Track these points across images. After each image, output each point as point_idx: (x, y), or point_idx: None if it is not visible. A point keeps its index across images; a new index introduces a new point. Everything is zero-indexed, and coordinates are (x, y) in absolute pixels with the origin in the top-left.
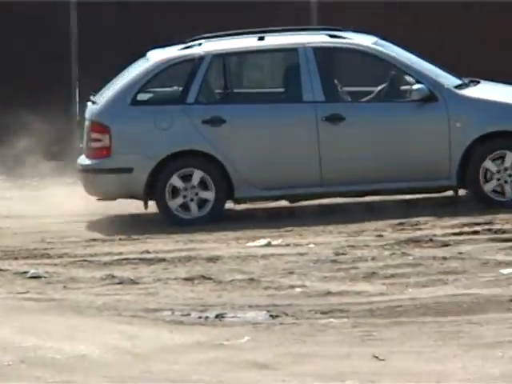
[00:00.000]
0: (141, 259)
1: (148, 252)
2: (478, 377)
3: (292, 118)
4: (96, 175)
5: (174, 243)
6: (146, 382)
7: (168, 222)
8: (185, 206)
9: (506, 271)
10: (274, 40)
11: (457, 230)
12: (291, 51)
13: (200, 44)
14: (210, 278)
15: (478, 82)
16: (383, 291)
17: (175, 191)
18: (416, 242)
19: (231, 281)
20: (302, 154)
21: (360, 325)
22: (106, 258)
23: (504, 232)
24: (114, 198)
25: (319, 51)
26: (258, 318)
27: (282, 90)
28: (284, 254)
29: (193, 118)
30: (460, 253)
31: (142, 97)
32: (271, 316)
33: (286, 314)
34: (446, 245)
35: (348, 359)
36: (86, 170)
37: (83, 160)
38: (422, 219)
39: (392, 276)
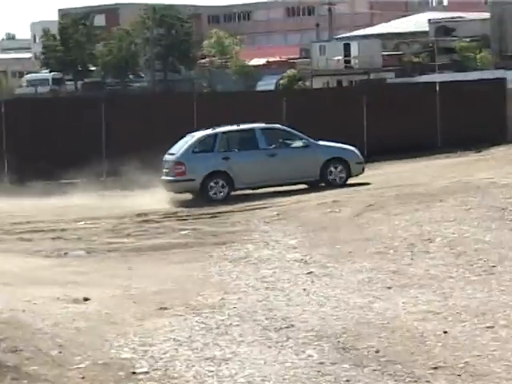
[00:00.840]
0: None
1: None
2: (164, 278)
3: (256, 156)
4: (178, 183)
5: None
6: (38, 283)
7: (206, 201)
8: (214, 194)
9: (183, 232)
10: (244, 126)
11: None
12: (251, 130)
13: (214, 128)
14: None
15: (320, 139)
16: (134, 241)
17: (211, 188)
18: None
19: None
20: (261, 171)
21: (125, 256)
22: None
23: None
24: (183, 193)
25: (263, 129)
26: (81, 254)
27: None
28: None
29: (217, 157)
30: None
31: (195, 150)
32: (87, 252)
33: (95, 252)
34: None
35: (116, 270)
36: (172, 181)
37: (168, 177)
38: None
39: (138, 235)
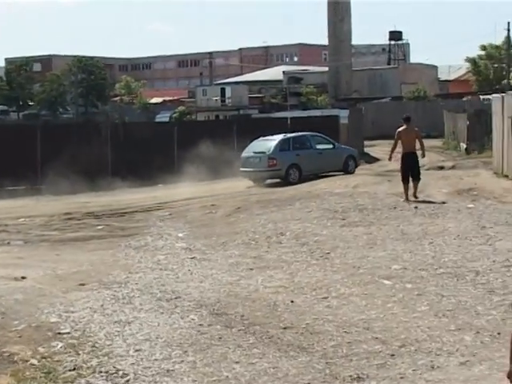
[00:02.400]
0: (109, 215)
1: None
2: (83, 262)
3: (311, 154)
4: (270, 172)
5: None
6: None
7: (287, 183)
8: (293, 179)
9: (98, 227)
10: (300, 133)
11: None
12: (305, 136)
13: (285, 135)
14: None
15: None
16: (61, 234)
17: (290, 174)
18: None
19: None
20: (315, 163)
21: (53, 245)
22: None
23: None
24: (271, 179)
25: (312, 135)
26: (20, 243)
27: (306, 146)
28: None
29: (293, 154)
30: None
31: (280, 149)
32: (25, 242)
33: (30, 241)
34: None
35: (46, 256)
36: (264, 171)
37: (259, 168)
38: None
39: (64, 229)
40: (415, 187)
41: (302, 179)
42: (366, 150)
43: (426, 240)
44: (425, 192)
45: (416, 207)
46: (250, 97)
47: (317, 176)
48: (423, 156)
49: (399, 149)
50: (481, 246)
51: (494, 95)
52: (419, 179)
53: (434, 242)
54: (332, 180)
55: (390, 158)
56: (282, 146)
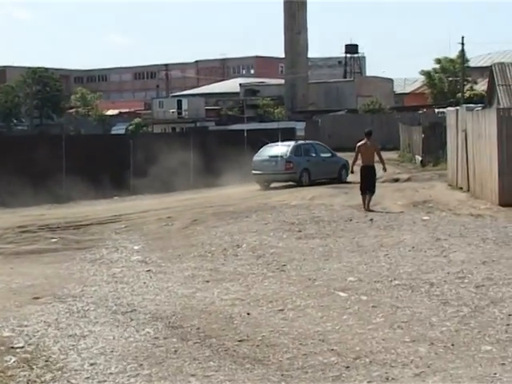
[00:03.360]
0: (64, 228)
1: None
2: (38, 275)
3: (317, 160)
4: (286, 175)
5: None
6: None
7: (299, 184)
8: (305, 181)
9: (53, 240)
10: (308, 141)
11: None
12: (311, 143)
13: (297, 141)
14: None
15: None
16: (15, 247)
17: (303, 178)
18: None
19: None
20: (320, 169)
21: (7, 258)
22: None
23: None
24: (285, 181)
25: (316, 144)
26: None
27: (313, 153)
28: None
29: (304, 159)
30: None
31: (294, 153)
32: None
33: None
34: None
35: (0, 269)
36: (281, 173)
37: (275, 170)
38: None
39: (18, 242)
40: (369, 199)
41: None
42: None
43: (381, 252)
44: (381, 204)
45: (371, 219)
46: (206, 109)
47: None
48: (384, 170)
49: (359, 161)
50: (435, 257)
51: (448, 108)
52: (373, 192)
53: (389, 253)
54: (289, 192)
55: (351, 171)
56: (296, 151)
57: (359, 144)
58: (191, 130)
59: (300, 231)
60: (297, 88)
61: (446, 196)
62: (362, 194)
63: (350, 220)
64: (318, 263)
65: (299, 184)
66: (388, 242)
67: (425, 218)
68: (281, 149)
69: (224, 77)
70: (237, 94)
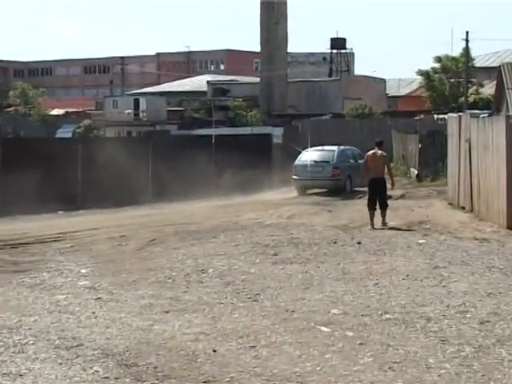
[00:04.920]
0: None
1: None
2: None
3: (355, 166)
4: (332, 181)
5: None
6: None
7: (343, 193)
8: (348, 189)
9: None
10: (347, 146)
11: None
12: (350, 149)
13: (339, 146)
14: None
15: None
16: None
17: (346, 185)
18: None
19: None
20: (357, 175)
21: None
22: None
23: None
24: (329, 189)
25: (354, 150)
26: None
27: (352, 158)
28: None
29: (347, 165)
30: None
31: (339, 159)
32: None
33: None
34: None
35: None
36: (327, 179)
37: (321, 176)
38: None
39: None
40: (383, 215)
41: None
42: None
43: (370, 280)
44: (369, 225)
45: (359, 242)
46: (168, 110)
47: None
48: (392, 185)
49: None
50: (433, 288)
51: (449, 114)
52: (386, 207)
53: (379, 282)
54: (263, 209)
55: (360, 182)
56: (341, 156)
57: (368, 153)
58: (150, 134)
59: (276, 255)
60: (274, 87)
61: (445, 216)
62: (369, 211)
63: (335, 243)
64: (297, 292)
65: (342, 192)
66: (378, 269)
67: (421, 241)
68: (326, 154)
69: (189, 73)
70: (204, 93)
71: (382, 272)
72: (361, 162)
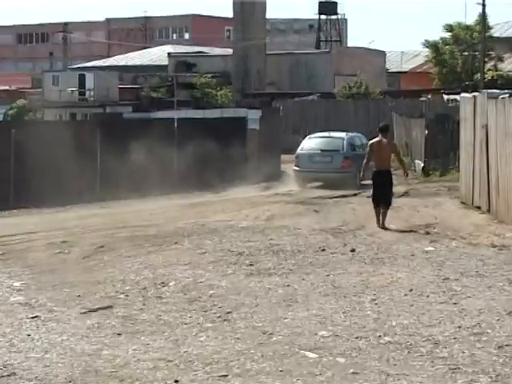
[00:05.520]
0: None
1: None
2: None
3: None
4: (341, 174)
5: None
6: None
7: (355, 187)
8: (358, 183)
9: None
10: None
11: None
12: (358, 136)
13: (346, 132)
14: None
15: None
16: None
17: (357, 178)
18: None
19: None
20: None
21: None
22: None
23: None
24: (337, 182)
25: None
26: None
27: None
28: None
29: (356, 154)
30: None
31: (350, 148)
32: None
33: None
34: None
35: None
36: (336, 172)
37: (331, 168)
38: None
39: None
40: (383, 215)
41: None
42: (284, 167)
43: (366, 296)
44: (366, 228)
45: (353, 250)
46: (121, 88)
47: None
48: (406, 175)
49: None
50: (442, 304)
51: (462, 95)
52: (389, 205)
53: (377, 298)
54: (236, 209)
55: (362, 177)
56: (351, 144)
57: (371, 142)
58: (99, 117)
59: (251, 265)
60: (250, 61)
61: (457, 218)
62: (375, 207)
63: (323, 250)
64: (277, 311)
65: (351, 186)
66: (376, 281)
67: (428, 248)
68: (334, 142)
69: (146, 43)
70: (164, 67)
71: (381, 285)
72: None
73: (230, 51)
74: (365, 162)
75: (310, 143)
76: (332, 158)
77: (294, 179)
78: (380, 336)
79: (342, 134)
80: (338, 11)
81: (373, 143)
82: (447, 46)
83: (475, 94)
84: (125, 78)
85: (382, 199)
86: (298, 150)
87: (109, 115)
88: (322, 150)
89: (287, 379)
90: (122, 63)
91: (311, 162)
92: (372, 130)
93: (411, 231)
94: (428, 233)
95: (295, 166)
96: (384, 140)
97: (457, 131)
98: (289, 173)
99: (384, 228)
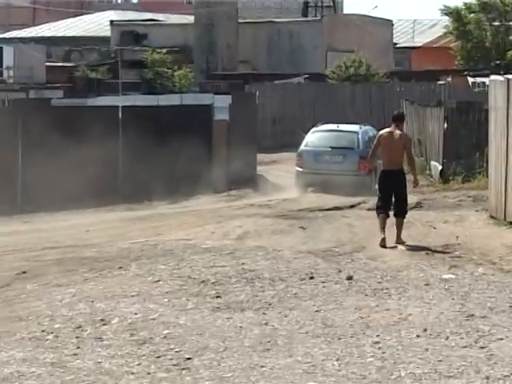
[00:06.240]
0: None
1: None
2: None
3: None
4: (359, 177)
5: None
6: None
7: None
8: (374, 188)
9: None
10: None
11: None
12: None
13: (360, 125)
14: None
15: None
16: None
17: (373, 181)
18: None
19: None
20: None
21: None
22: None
23: None
24: (353, 188)
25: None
26: None
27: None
28: None
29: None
30: None
31: (364, 145)
32: None
33: None
34: None
35: None
36: (353, 175)
37: (346, 171)
38: None
39: None
40: (399, 228)
41: None
42: (261, 170)
43: (367, 337)
44: (367, 249)
45: (350, 277)
46: (49, 66)
47: None
48: (415, 183)
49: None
50: (465, 349)
51: (492, 77)
52: (404, 214)
53: (381, 341)
54: (199, 224)
55: (369, 170)
56: (366, 141)
57: (381, 133)
58: (20, 104)
59: (219, 297)
60: (217, 32)
61: (485, 237)
62: (379, 215)
63: (311, 278)
64: (252, 356)
65: (369, 192)
66: (380, 319)
67: (447, 276)
68: (346, 137)
69: (82, 9)
70: (106, 39)
71: (386, 324)
72: None
73: (190, 19)
74: (371, 154)
75: (315, 138)
76: (345, 157)
77: (295, 182)
78: None
79: (355, 128)
80: None
81: (382, 135)
82: (472, 14)
83: (509, 76)
84: (54, 53)
85: (396, 207)
86: (302, 147)
87: (33, 102)
88: (332, 148)
89: None
90: (51, 34)
91: (319, 162)
92: (375, 123)
93: (426, 254)
94: (448, 255)
95: (297, 166)
96: (397, 132)
97: (485, 124)
98: (267, 177)
99: (401, 243)
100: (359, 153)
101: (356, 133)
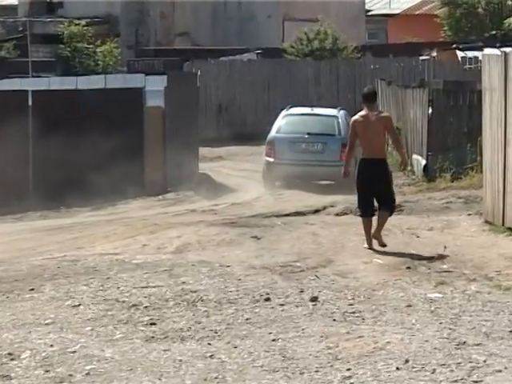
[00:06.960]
0: None
1: None
2: None
3: None
4: (340, 168)
5: None
6: None
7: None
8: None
9: None
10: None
11: None
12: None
13: (339, 108)
14: None
15: None
16: None
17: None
18: None
19: None
20: None
21: None
22: None
23: None
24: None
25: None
26: None
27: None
28: None
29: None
30: None
31: (345, 131)
32: None
33: None
34: None
35: None
36: (330, 166)
37: (315, 159)
38: None
39: None
40: (381, 222)
41: None
42: (205, 167)
43: (335, 372)
44: (335, 263)
45: (315, 299)
46: None
47: None
48: (403, 166)
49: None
50: None
51: (486, 51)
52: (391, 209)
53: (353, 375)
54: (129, 234)
55: (345, 173)
56: (347, 125)
57: (354, 118)
58: None
59: (153, 324)
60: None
61: (479, 247)
62: (363, 219)
63: (267, 300)
64: None
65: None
66: (351, 348)
67: (433, 295)
68: (324, 122)
69: None
70: (12, 8)
71: (359, 355)
72: None
73: None
74: (348, 148)
75: (289, 124)
76: (325, 145)
77: (263, 175)
78: None
79: (333, 111)
80: None
81: (356, 120)
82: None
83: (507, 50)
84: None
85: (381, 202)
86: (273, 133)
87: None
88: (309, 134)
89: None
90: None
91: (294, 151)
92: (345, 104)
93: (407, 268)
94: (434, 270)
95: (267, 156)
96: (372, 113)
97: (478, 109)
98: (212, 177)
99: (382, 245)
100: (341, 140)
101: (335, 117)
